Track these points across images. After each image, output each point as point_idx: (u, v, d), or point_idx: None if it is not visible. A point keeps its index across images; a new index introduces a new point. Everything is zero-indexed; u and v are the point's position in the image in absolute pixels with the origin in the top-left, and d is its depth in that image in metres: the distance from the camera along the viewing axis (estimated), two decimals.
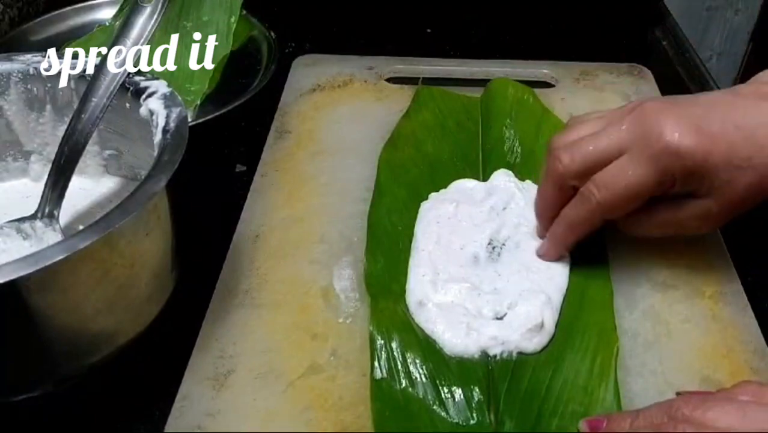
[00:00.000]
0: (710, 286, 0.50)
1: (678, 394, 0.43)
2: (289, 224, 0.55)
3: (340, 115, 0.66)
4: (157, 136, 0.44)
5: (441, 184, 0.57)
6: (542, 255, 0.50)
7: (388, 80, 0.70)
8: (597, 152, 0.46)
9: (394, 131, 0.62)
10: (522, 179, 0.56)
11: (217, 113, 0.64)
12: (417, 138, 0.62)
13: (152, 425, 0.44)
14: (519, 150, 0.60)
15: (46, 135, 0.53)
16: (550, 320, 0.46)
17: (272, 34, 0.75)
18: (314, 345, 0.46)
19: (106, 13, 0.77)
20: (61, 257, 0.36)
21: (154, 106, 0.46)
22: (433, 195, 0.56)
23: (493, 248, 0.51)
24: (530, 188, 0.54)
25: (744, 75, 1.27)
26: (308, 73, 0.71)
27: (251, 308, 0.49)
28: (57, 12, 0.77)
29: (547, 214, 0.50)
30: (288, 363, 0.45)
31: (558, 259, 0.50)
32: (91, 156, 0.54)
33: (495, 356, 0.45)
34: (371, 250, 0.52)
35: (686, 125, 0.44)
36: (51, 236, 0.47)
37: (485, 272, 0.50)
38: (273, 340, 0.46)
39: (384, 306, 0.48)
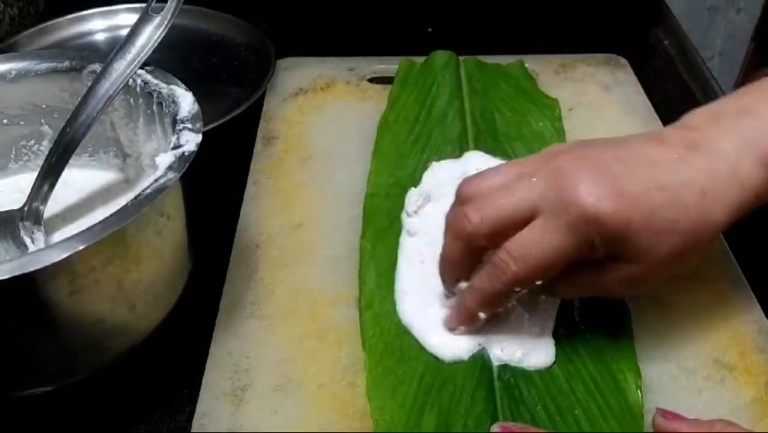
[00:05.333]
0: (710, 269, 0.51)
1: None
2: (287, 232, 0.54)
3: (326, 117, 0.65)
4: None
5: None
6: (452, 328, 0.45)
7: (370, 80, 0.70)
8: (508, 212, 0.42)
9: (380, 127, 0.63)
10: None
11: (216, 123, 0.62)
12: (403, 130, 0.62)
13: (152, 426, 0.44)
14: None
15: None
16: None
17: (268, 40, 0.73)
18: (329, 352, 0.46)
19: (99, 24, 0.77)
20: (68, 254, 0.36)
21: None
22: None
23: None
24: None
25: (745, 75, 1.27)
26: (289, 76, 0.70)
27: (260, 319, 0.48)
28: (51, 22, 0.75)
29: (455, 276, 0.45)
30: (305, 373, 0.45)
31: None
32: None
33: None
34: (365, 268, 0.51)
35: (604, 188, 0.40)
36: (37, 236, 0.47)
37: None
38: (287, 350, 0.46)
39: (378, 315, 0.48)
